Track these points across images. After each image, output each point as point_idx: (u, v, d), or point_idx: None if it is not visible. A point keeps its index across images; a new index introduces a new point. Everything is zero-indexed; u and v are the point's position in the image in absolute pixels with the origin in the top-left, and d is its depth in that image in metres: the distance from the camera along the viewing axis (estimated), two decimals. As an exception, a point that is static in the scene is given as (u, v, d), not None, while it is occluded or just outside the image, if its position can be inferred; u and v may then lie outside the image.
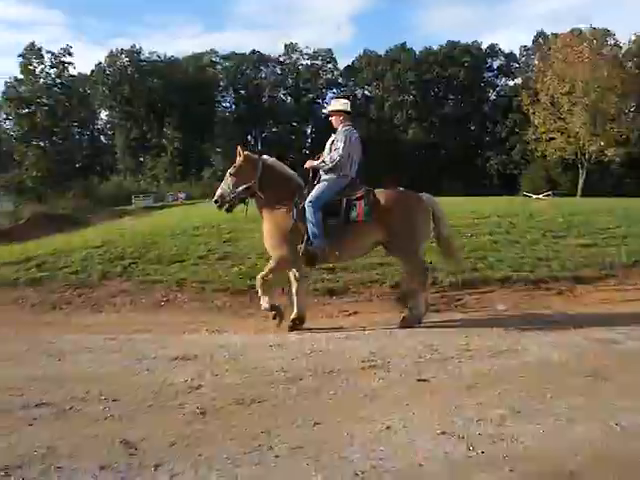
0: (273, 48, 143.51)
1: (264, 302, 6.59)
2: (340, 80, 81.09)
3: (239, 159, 6.78)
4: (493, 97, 78.85)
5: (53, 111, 63.75)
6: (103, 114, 79.97)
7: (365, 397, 4.26)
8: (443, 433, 3.59)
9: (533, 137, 54.61)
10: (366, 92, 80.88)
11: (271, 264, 6.63)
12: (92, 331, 6.74)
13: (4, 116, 72.44)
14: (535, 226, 11.39)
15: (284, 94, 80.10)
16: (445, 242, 7.03)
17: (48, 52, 64.12)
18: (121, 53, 73.32)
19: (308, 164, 6.86)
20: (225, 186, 6.81)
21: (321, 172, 6.72)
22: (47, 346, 5.96)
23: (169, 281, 8.32)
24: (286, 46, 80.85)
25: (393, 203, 6.58)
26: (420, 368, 4.97)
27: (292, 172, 6.95)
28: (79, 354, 5.63)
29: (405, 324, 6.58)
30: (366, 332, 6.43)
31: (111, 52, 73.84)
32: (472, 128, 76.84)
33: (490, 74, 79.37)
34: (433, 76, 74.88)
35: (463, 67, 74.24)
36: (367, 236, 6.61)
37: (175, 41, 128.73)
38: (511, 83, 76.47)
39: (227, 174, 6.86)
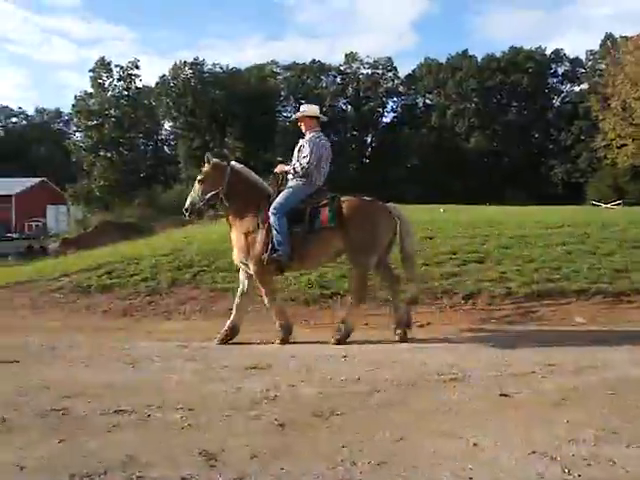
0: (333, 57, 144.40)
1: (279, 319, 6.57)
2: (401, 89, 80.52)
3: (207, 166, 6.79)
4: (557, 104, 76.81)
5: (120, 123, 65.39)
6: (166, 125, 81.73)
7: (448, 411, 4.09)
8: (533, 452, 3.40)
9: (602, 144, 52.68)
10: (427, 100, 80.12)
11: (261, 285, 6.60)
12: (163, 338, 6.79)
13: (74, 128, 75.19)
14: (610, 236, 10.91)
15: (344, 103, 80.00)
16: (406, 255, 6.70)
17: (117, 66, 66.01)
18: (184, 65, 74.81)
19: (279, 168, 6.86)
20: (194, 194, 6.82)
21: (289, 177, 6.69)
22: (120, 352, 6.02)
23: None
24: (346, 55, 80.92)
25: (355, 211, 6.43)
26: (500, 382, 4.77)
27: (260, 179, 6.93)
28: (152, 361, 5.65)
29: (337, 341, 6.36)
30: (440, 344, 6.27)
31: (175, 65, 75.41)
32: (536, 136, 75.00)
33: (555, 80, 77.40)
34: (495, 83, 73.45)
35: (526, 73, 72.55)
36: (330, 244, 6.49)
37: (236, 50, 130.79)
38: (577, 89, 74.26)
39: (196, 182, 6.87)
